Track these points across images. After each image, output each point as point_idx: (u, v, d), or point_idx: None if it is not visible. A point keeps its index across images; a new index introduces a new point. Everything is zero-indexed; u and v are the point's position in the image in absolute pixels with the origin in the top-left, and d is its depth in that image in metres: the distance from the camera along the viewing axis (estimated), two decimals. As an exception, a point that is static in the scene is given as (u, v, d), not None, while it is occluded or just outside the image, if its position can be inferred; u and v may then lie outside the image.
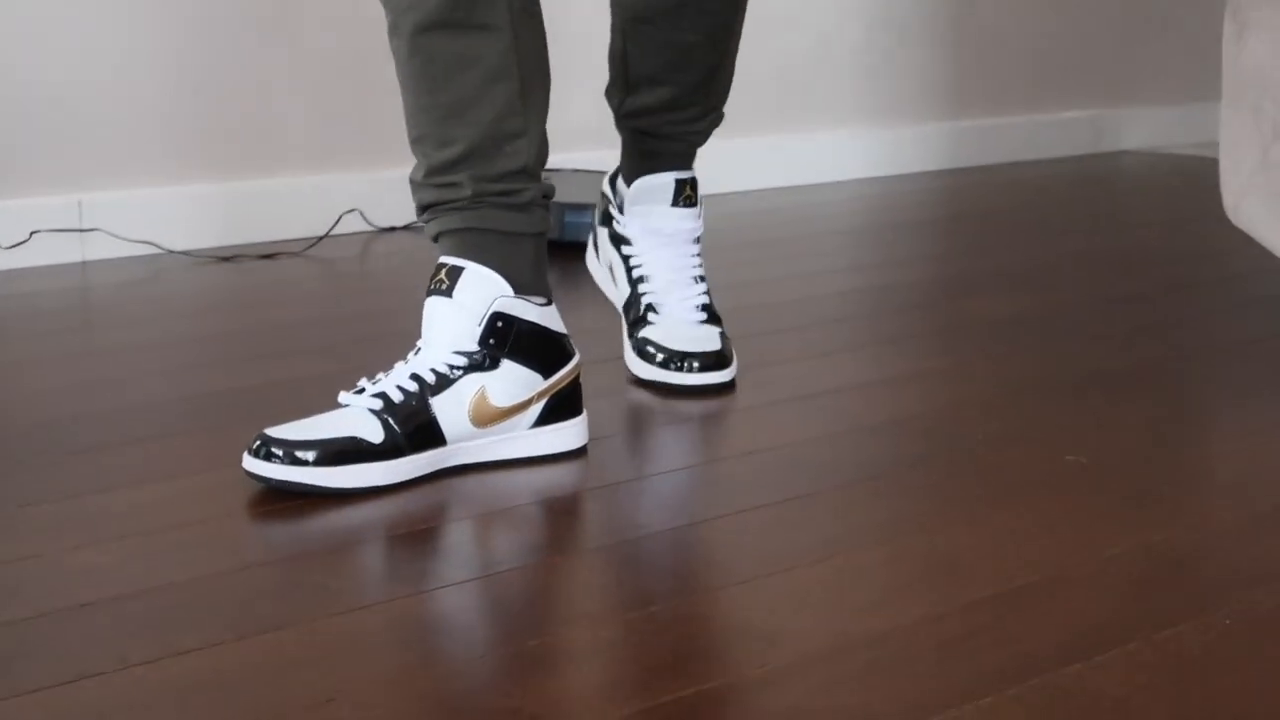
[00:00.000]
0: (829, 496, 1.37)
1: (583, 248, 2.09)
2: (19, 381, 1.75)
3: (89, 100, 2.35)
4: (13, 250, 2.27)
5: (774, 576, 1.15)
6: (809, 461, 1.48)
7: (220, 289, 2.21)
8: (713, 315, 1.85)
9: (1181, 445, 1.55)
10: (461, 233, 1.54)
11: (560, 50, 2.71)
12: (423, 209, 1.58)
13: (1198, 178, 3.14)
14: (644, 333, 1.80)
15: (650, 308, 1.83)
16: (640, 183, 1.90)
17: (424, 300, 1.48)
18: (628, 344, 1.83)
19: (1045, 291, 2.21)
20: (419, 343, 1.48)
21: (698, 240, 1.89)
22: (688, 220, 1.89)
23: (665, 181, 1.89)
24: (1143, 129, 3.71)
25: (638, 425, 1.68)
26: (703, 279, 1.87)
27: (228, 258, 2.36)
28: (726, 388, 1.74)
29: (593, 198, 2.13)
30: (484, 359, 1.45)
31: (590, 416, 1.52)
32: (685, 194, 1.89)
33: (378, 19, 1.56)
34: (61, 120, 2.33)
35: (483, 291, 1.47)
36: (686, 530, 1.29)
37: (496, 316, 1.46)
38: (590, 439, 1.50)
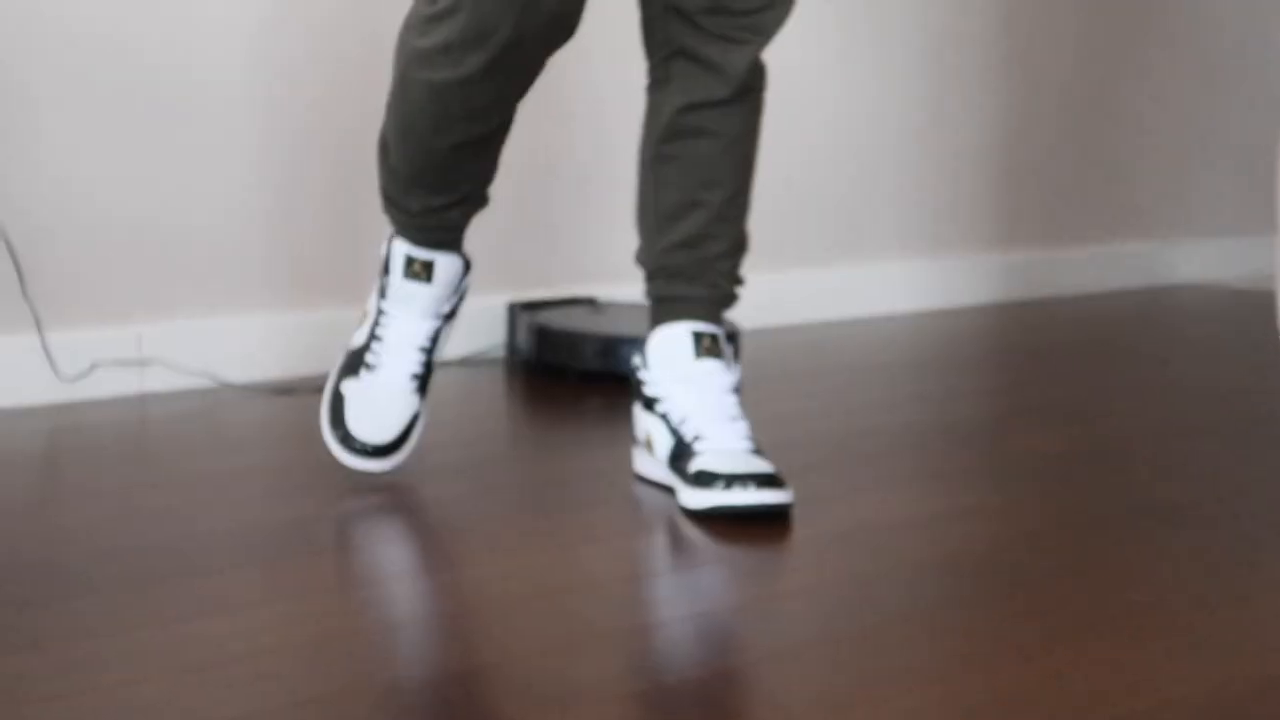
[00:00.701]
0: (881, 634, 1.37)
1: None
2: (78, 512, 1.76)
3: (149, 233, 2.39)
4: (74, 383, 2.30)
5: (827, 718, 1.15)
6: (860, 599, 1.48)
7: (277, 422, 2.23)
8: (759, 449, 1.83)
9: (1240, 584, 1.54)
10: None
11: (615, 194, 2.78)
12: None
13: (1254, 310, 3.13)
14: (695, 464, 1.79)
15: (697, 437, 1.82)
16: (657, 334, 1.92)
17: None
18: (679, 482, 1.81)
19: (1097, 425, 2.22)
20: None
21: (733, 390, 1.89)
22: (716, 373, 1.88)
23: (679, 333, 1.90)
24: (1198, 262, 3.72)
25: (686, 561, 1.68)
26: (742, 419, 1.86)
27: (285, 391, 2.39)
28: (782, 513, 1.73)
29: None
30: None
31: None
32: (705, 345, 1.88)
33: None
34: (121, 252, 2.37)
35: None
36: (737, 669, 1.29)
37: None
38: (638, 576, 1.51)
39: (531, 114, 2.65)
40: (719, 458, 1.78)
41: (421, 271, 1.91)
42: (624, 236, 2.76)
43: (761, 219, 2.54)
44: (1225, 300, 3.41)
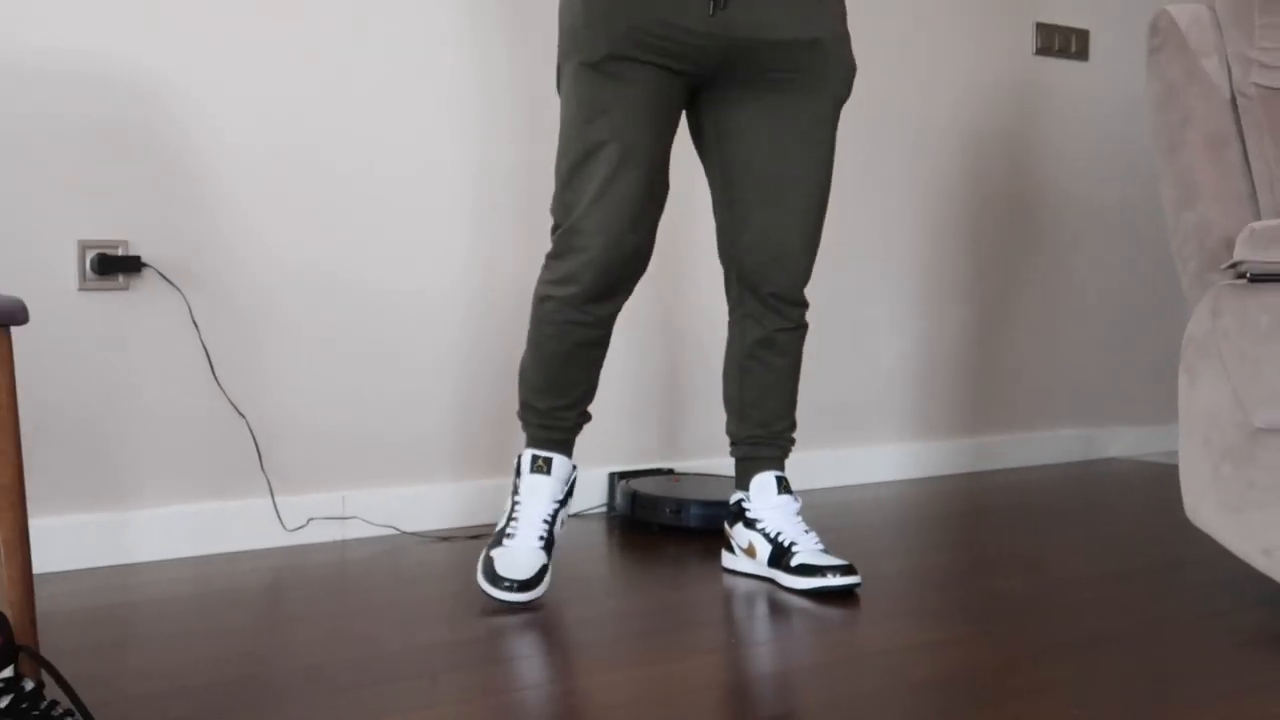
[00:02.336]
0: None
1: (707, 534, 2.40)
2: (291, 633, 1.78)
3: (351, 421, 2.43)
4: (294, 532, 2.35)
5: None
6: (875, 713, 1.48)
7: (443, 563, 2.24)
8: (828, 550, 2.12)
9: (1158, 697, 1.53)
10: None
11: (687, 395, 2.82)
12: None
13: (1165, 482, 3.12)
14: (795, 560, 2.03)
15: (791, 544, 2.06)
16: (755, 481, 2.14)
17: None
18: (782, 574, 2.05)
19: (1046, 571, 2.20)
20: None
21: (799, 513, 2.12)
22: (790, 503, 2.12)
23: (768, 478, 2.14)
24: (1126, 442, 3.69)
25: (735, 679, 1.67)
26: (812, 531, 2.11)
27: (448, 538, 2.42)
28: (856, 589, 2.01)
29: (717, 494, 2.43)
30: None
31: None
32: (784, 485, 2.13)
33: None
34: (331, 436, 2.41)
35: None
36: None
37: None
38: (715, 685, 1.51)
39: (628, 335, 2.72)
40: (811, 555, 2.04)
41: (544, 466, 2.02)
42: (693, 426, 2.81)
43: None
44: (1146, 472, 3.38)
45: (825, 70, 2.02)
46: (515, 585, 1.90)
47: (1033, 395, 3.49)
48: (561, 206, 1.95)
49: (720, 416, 2.35)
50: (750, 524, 2.12)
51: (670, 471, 2.77)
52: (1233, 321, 1.89)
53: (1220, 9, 2.11)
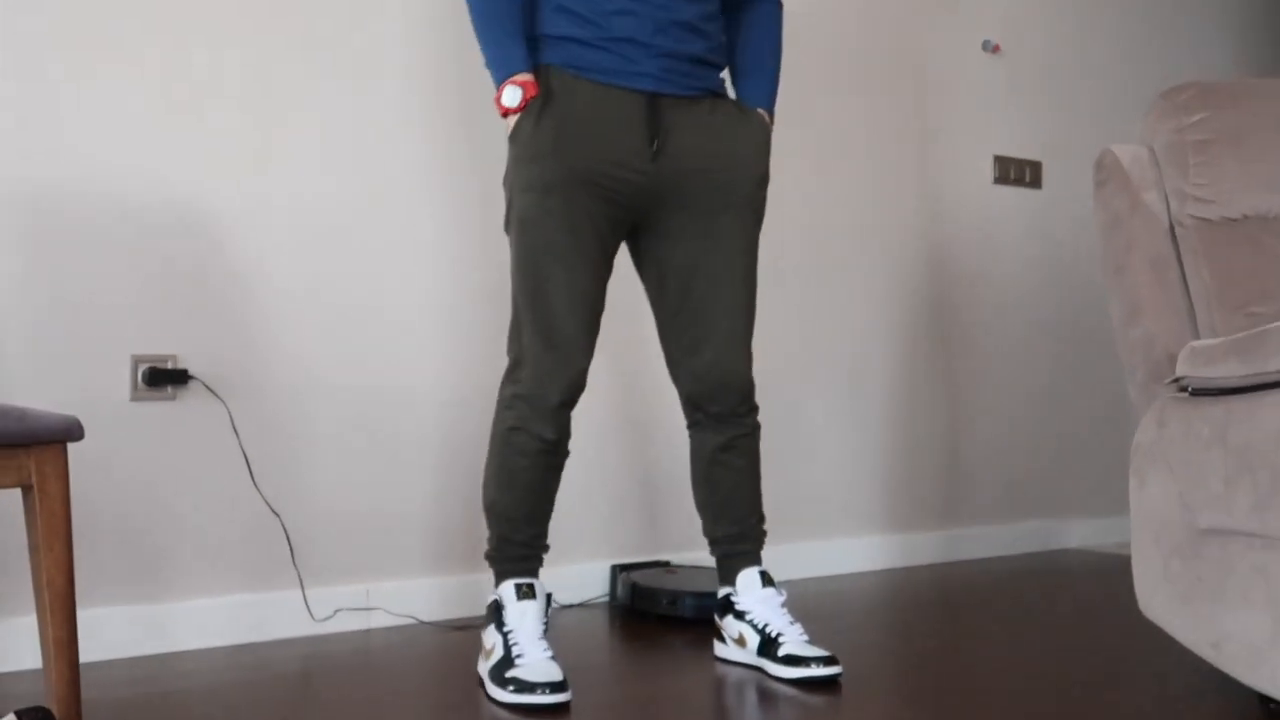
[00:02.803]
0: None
1: (701, 622, 2.39)
2: (316, 713, 1.78)
3: (375, 520, 2.44)
4: (322, 622, 2.34)
5: None
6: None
7: (459, 650, 2.22)
8: (812, 640, 2.13)
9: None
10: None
11: (679, 495, 2.81)
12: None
13: (1120, 573, 3.12)
14: (783, 650, 2.00)
15: (779, 634, 2.04)
16: (741, 578, 2.12)
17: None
18: (770, 663, 2.03)
19: (1013, 659, 2.20)
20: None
21: (784, 604, 2.11)
22: (774, 596, 2.11)
23: (753, 576, 2.13)
24: (1081, 532, 3.68)
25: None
26: (798, 622, 2.11)
27: (462, 627, 2.41)
28: (838, 679, 1.99)
29: (709, 586, 2.43)
30: None
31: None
32: (767, 578, 2.12)
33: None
34: (357, 533, 2.41)
35: None
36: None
37: None
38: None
39: (626, 435, 2.73)
40: (797, 646, 2.01)
41: (529, 591, 1.96)
42: (685, 522, 2.82)
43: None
44: (1102, 564, 3.38)
45: (750, 198, 2.02)
46: (550, 687, 1.81)
47: (996, 489, 3.49)
48: (518, 343, 1.94)
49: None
50: (739, 615, 2.11)
51: (667, 564, 2.77)
52: (1177, 431, 1.91)
53: (1158, 150, 2.17)
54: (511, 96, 1.87)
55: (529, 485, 1.96)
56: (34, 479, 1.37)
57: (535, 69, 1.91)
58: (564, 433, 1.97)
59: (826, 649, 2.07)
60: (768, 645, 2.05)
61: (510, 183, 1.94)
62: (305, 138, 2.36)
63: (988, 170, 3.49)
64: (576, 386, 1.95)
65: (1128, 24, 3.89)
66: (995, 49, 3.48)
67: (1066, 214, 3.67)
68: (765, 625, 2.07)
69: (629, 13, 1.87)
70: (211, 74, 2.27)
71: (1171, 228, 2.11)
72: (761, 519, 2.17)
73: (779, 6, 2.11)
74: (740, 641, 2.10)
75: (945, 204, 3.39)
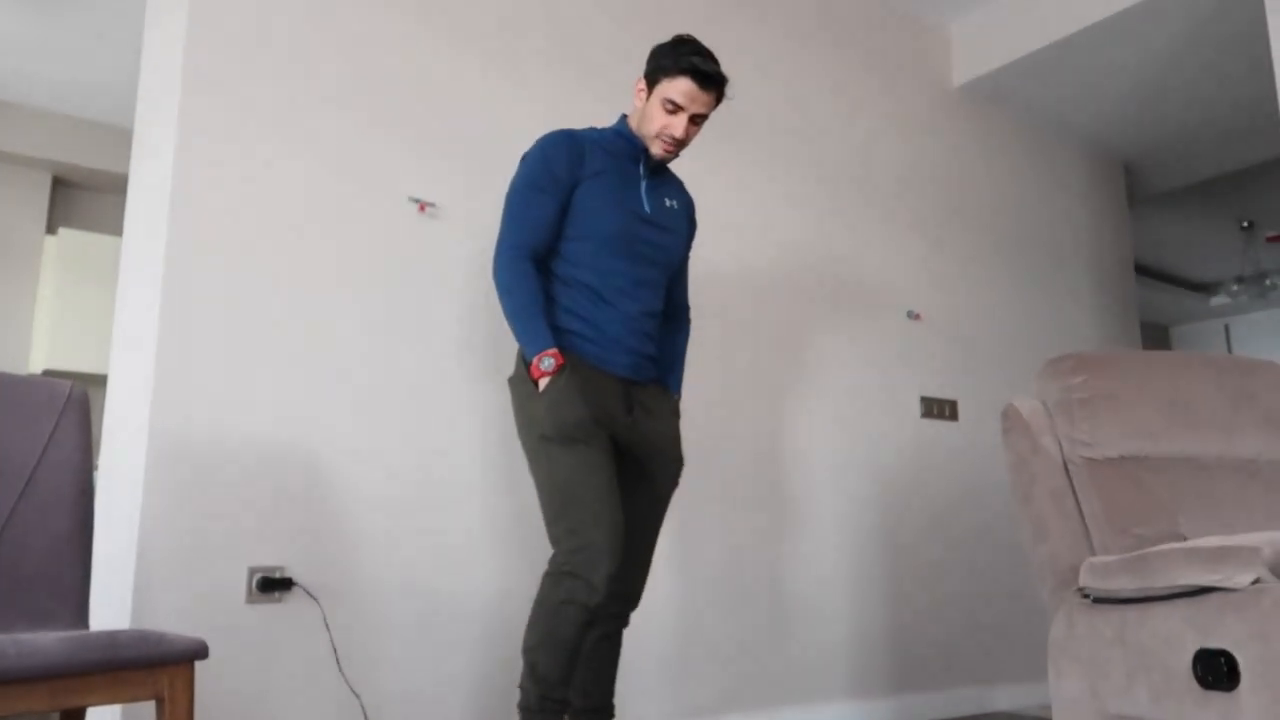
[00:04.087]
0: None
1: None
2: None
3: (441, 694, 2.36)
4: (390, 789, 2.24)
5: None
6: None
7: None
8: None
9: None
10: None
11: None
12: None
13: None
14: None
15: None
16: None
17: None
18: None
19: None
20: None
21: None
22: None
23: None
24: (1013, 697, 3.57)
25: None
26: None
27: (505, 793, 2.30)
28: None
29: None
30: None
31: None
32: None
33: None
34: (426, 708, 2.33)
35: None
36: None
37: None
38: None
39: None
40: None
41: None
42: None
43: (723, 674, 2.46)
44: (1027, 726, 3.27)
45: (675, 474, 2.12)
46: None
47: (934, 663, 3.40)
48: (563, 530, 1.91)
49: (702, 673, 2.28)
50: None
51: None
52: (1084, 631, 1.90)
53: (1050, 404, 2.24)
54: (548, 364, 1.95)
55: (572, 653, 1.91)
56: (166, 693, 1.35)
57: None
58: (606, 602, 1.95)
59: None
60: None
61: (541, 422, 1.95)
62: (390, 399, 2.43)
63: (916, 407, 3.55)
64: (620, 560, 1.94)
65: (1018, 297, 4.04)
66: (917, 317, 3.60)
67: (978, 440, 3.71)
68: None
69: (614, 322, 2.02)
70: (316, 333, 2.35)
71: (1065, 465, 2.15)
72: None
73: (689, 323, 2.26)
74: None
75: (884, 434, 3.44)
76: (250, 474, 2.20)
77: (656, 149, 2.05)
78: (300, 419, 2.29)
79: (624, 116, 2.11)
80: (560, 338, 2.00)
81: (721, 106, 3.19)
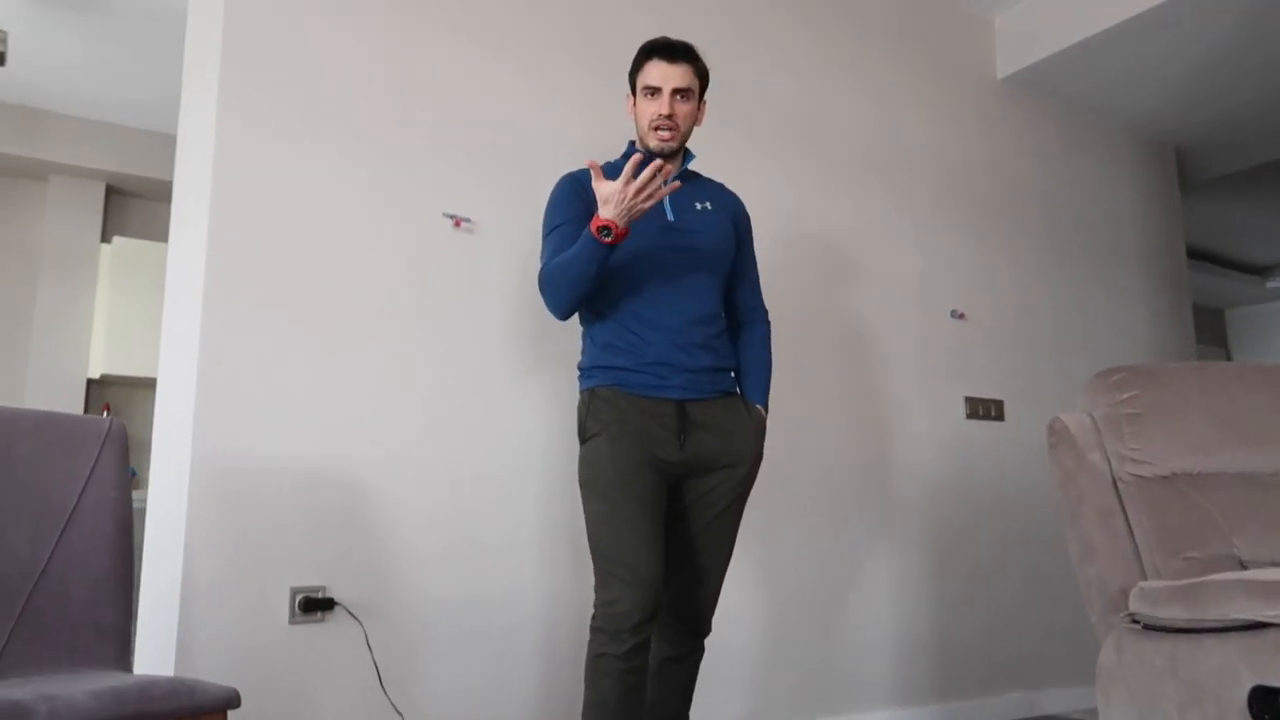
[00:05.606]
0: None
1: None
2: None
3: (482, 712, 2.35)
4: (434, 805, 2.23)
5: None
6: None
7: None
8: None
9: None
10: None
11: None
12: None
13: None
14: None
15: None
16: None
17: None
18: None
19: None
20: None
21: None
22: None
23: None
24: (1063, 702, 3.49)
25: None
26: None
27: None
28: None
29: None
30: None
31: None
32: None
33: None
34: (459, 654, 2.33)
35: None
36: None
37: None
38: None
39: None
40: None
41: None
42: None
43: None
44: (1076, 733, 3.19)
45: (746, 476, 2.00)
46: None
47: (984, 666, 3.33)
48: (598, 586, 1.87)
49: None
50: None
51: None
52: (1134, 660, 1.82)
53: (1098, 418, 2.15)
54: (606, 234, 1.83)
55: (616, 707, 1.84)
56: (201, 741, 1.35)
57: (592, 390, 1.97)
58: (643, 652, 1.86)
59: None
60: None
61: (589, 466, 1.93)
62: (428, 415, 2.41)
63: (961, 408, 3.46)
64: (652, 609, 1.85)
65: (1067, 288, 3.92)
66: (961, 315, 3.50)
67: (1025, 440, 3.62)
68: None
69: (657, 342, 1.95)
70: (353, 351, 2.34)
71: (1115, 483, 2.07)
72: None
73: (767, 325, 2.17)
74: None
75: (929, 436, 3.36)
76: (290, 493, 2.20)
77: (654, 141, 2.00)
78: (338, 437, 2.28)
79: (632, 142, 2.10)
80: (605, 376, 1.97)
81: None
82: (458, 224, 2.52)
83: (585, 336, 2.06)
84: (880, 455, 3.22)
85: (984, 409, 3.50)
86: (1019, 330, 3.70)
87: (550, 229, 2.02)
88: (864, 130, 3.37)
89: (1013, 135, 3.86)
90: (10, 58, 4.00)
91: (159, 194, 4.93)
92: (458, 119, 2.57)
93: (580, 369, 2.04)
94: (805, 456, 3.03)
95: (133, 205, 4.99)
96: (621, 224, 1.82)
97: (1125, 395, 2.10)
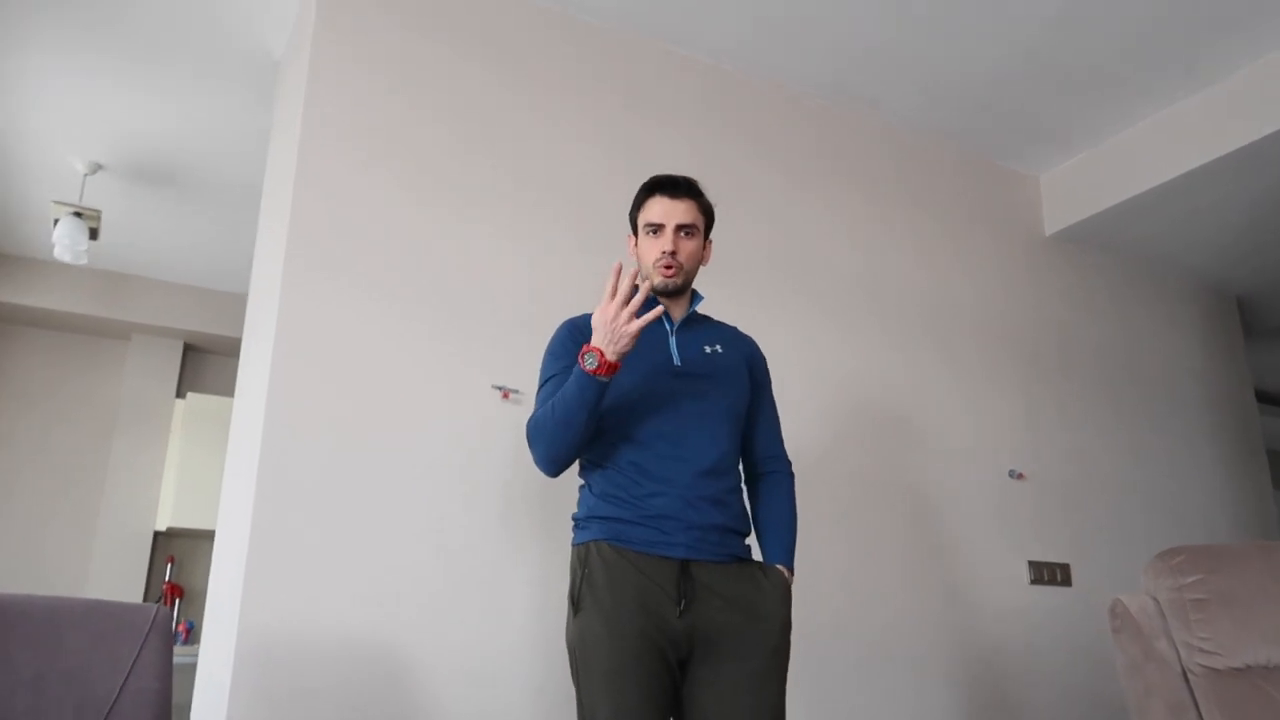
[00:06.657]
0: None
1: None
2: None
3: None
4: None
5: None
6: None
7: None
8: None
9: None
10: None
11: None
12: None
13: None
14: None
15: None
16: None
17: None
18: None
19: None
20: None
21: None
22: None
23: None
24: None
25: None
26: None
27: None
28: None
29: None
30: None
31: None
32: None
33: None
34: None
35: None
36: None
37: None
38: None
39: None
40: None
41: None
42: None
43: None
44: None
45: (776, 648, 1.74)
46: None
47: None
48: None
49: None
50: None
51: None
52: None
53: (1162, 602, 2.05)
54: (591, 361, 1.69)
55: None
56: None
57: (586, 546, 1.78)
58: None
59: None
60: None
61: (582, 647, 1.72)
62: (470, 588, 2.40)
63: (1024, 572, 3.33)
64: None
65: (1131, 444, 3.80)
66: (1020, 476, 3.41)
67: (1092, 606, 3.45)
68: None
69: (661, 494, 1.74)
70: (398, 522, 2.35)
71: (1185, 674, 1.95)
72: None
73: (790, 477, 1.94)
74: None
75: (986, 602, 3.22)
76: (333, 665, 2.19)
77: (658, 279, 1.87)
78: (380, 610, 2.27)
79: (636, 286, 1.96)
80: (602, 528, 1.76)
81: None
82: (505, 396, 2.56)
83: (582, 487, 1.86)
84: (939, 624, 3.09)
85: (1049, 573, 3.36)
86: (1083, 488, 3.58)
87: (544, 379, 1.86)
88: (915, 289, 3.38)
89: (1065, 287, 3.84)
90: (101, 231, 4.28)
91: (233, 350, 5.15)
92: (508, 291, 2.65)
93: (574, 519, 1.82)
94: (852, 624, 2.92)
95: (208, 361, 5.21)
96: (610, 354, 1.67)
97: (1189, 580, 2.00)
